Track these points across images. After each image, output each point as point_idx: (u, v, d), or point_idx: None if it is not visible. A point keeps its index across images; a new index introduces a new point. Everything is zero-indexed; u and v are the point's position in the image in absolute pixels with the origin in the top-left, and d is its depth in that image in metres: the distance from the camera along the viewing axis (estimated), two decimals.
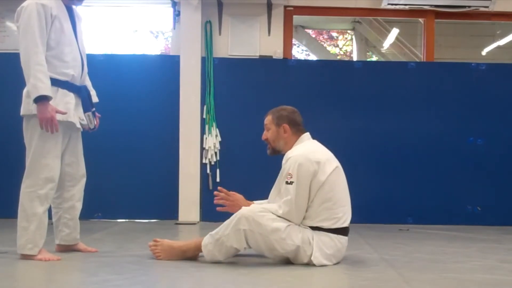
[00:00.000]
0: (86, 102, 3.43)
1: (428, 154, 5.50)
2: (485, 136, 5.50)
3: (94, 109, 3.51)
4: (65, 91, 3.28)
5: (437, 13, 5.76)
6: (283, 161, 3.24)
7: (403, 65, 6.11)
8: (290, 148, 3.30)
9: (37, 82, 3.08)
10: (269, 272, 2.97)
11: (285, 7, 5.73)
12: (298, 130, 3.33)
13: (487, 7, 5.52)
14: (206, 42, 5.57)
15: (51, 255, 3.25)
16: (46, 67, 3.14)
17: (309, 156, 3.14)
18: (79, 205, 3.55)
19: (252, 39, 5.64)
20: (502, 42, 8.81)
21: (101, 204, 5.48)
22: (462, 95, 5.54)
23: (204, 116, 5.45)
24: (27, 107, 3.23)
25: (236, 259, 3.29)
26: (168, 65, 5.56)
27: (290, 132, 3.30)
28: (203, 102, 5.46)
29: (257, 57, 5.61)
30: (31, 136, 3.25)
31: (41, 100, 3.10)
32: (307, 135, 3.35)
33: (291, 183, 3.10)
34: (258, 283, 2.75)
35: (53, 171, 3.26)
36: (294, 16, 5.84)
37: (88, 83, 3.58)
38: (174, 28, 5.74)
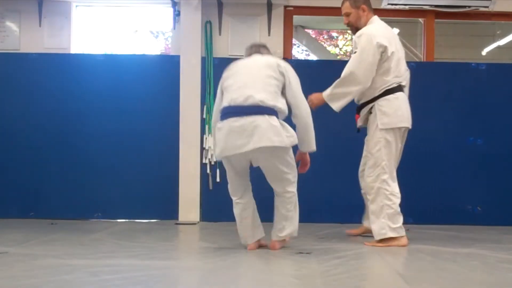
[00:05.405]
0: None
1: (428, 154, 5.48)
2: (485, 136, 5.49)
3: None
4: None
5: (437, 13, 5.76)
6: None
7: None
8: (365, 25, 4.02)
9: None
10: (269, 272, 2.98)
11: (285, 7, 5.72)
12: (371, 9, 4.07)
13: (487, 7, 5.51)
14: (206, 42, 5.57)
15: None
16: None
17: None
18: None
19: (252, 39, 5.60)
20: (502, 42, 8.79)
21: (101, 204, 5.48)
22: (462, 95, 5.53)
23: (204, 116, 5.44)
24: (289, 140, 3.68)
25: (237, 259, 3.29)
26: (168, 65, 5.55)
27: (367, 11, 4.04)
28: (203, 102, 5.46)
29: None
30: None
31: None
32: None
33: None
34: (259, 283, 2.75)
35: None
36: (294, 16, 5.84)
37: None
38: (174, 28, 5.73)
